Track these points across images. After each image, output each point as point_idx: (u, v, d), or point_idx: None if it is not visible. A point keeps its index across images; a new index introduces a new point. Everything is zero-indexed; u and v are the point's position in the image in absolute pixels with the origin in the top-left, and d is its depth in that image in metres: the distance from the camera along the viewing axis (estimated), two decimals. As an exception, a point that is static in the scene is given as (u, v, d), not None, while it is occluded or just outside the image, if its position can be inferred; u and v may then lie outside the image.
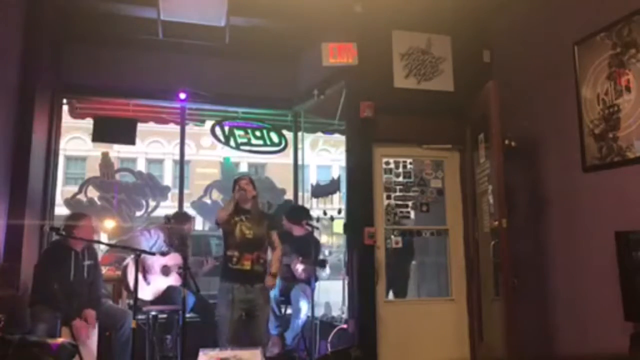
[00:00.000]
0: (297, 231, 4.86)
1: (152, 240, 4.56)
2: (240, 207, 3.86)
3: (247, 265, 3.75)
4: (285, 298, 4.74)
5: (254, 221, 3.86)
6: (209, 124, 5.88)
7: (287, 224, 4.92)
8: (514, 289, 3.65)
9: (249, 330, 3.75)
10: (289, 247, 4.68)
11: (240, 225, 3.80)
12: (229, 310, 3.68)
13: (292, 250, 4.67)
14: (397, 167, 4.76)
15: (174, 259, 4.55)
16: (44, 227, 4.65)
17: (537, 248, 4.08)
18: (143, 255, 4.18)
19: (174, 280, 4.51)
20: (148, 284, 4.40)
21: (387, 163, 4.73)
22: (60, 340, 3.21)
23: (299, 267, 4.64)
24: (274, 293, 4.44)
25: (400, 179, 4.76)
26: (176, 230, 4.61)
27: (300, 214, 5.05)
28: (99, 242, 4.49)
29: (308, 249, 4.51)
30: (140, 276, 4.35)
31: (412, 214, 4.84)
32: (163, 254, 4.54)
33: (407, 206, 4.74)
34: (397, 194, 4.72)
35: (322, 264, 4.58)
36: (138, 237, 4.57)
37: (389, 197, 4.69)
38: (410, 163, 4.78)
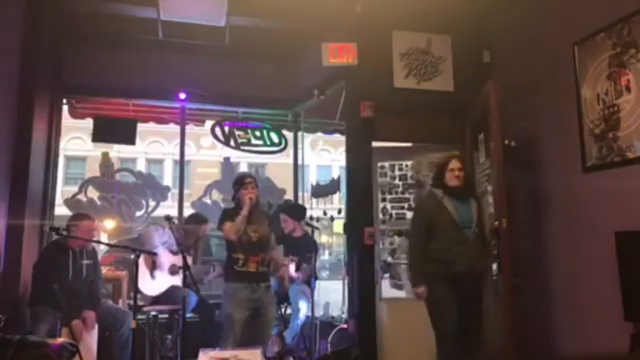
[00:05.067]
0: (298, 232, 4.87)
1: (165, 237, 4.56)
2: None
3: (252, 267, 3.69)
4: (280, 298, 4.73)
5: (257, 222, 3.76)
6: (209, 124, 5.88)
7: (290, 223, 4.90)
8: (514, 289, 3.65)
9: (256, 330, 3.71)
10: (290, 248, 4.68)
11: (244, 228, 3.69)
12: (236, 310, 3.63)
13: (293, 251, 4.67)
14: (392, 169, 4.77)
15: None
16: (44, 227, 4.65)
17: (537, 248, 4.08)
18: (155, 251, 4.28)
19: (179, 280, 4.50)
20: (153, 278, 4.41)
21: (382, 167, 4.75)
22: (60, 340, 3.21)
23: (292, 267, 4.63)
24: None
25: (397, 181, 4.77)
26: (191, 231, 4.61)
27: (301, 212, 5.07)
28: (99, 242, 4.49)
29: (308, 250, 4.52)
30: (146, 271, 4.39)
31: (410, 215, 4.85)
32: (174, 252, 4.54)
33: (403, 207, 4.76)
34: (393, 195, 4.74)
35: (307, 260, 4.57)
36: (151, 232, 4.57)
37: (384, 200, 4.70)
38: (406, 165, 4.80)
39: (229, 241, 3.77)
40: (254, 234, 3.72)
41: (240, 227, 3.66)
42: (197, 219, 4.86)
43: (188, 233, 4.62)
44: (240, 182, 3.84)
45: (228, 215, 3.79)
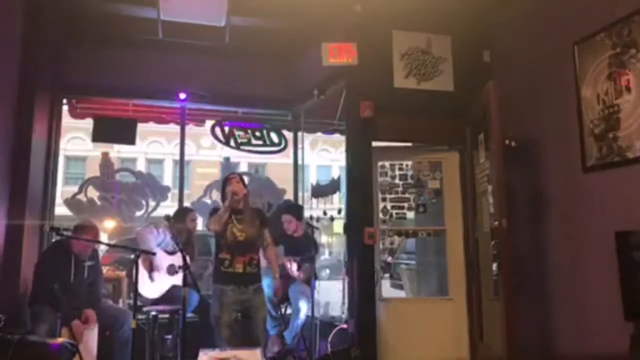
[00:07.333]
0: (299, 232, 4.86)
1: (159, 238, 4.55)
2: (232, 207, 3.71)
3: (239, 268, 3.64)
4: (280, 298, 4.73)
5: (246, 222, 3.71)
6: (209, 124, 5.88)
7: (294, 224, 4.88)
8: (514, 288, 3.65)
9: (246, 331, 3.70)
10: (289, 247, 4.67)
11: (231, 227, 3.66)
12: (222, 312, 3.62)
13: (292, 251, 4.66)
14: (392, 169, 4.80)
15: (180, 259, 4.52)
16: (44, 227, 4.65)
17: (537, 248, 4.08)
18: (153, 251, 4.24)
19: (179, 279, 4.49)
20: (152, 281, 4.40)
21: (383, 167, 4.79)
22: (60, 340, 3.21)
23: (294, 267, 4.63)
24: (267, 294, 4.43)
25: (397, 180, 4.81)
26: (181, 228, 4.60)
27: (302, 211, 5.07)
28: (100, 242, 4.47)
29: (308, 249, 4.51)
30: (145, 274, 4.38)
31: (410, 215, 4.89)
32: (170, 252, 4.53)
33: (402, 207, 4.79)
34: (393, 195, 4.77)
35: (311, 260, 4.57)
36: (146, 234, 4.55)
37: (384, 200, 4.73)
38: (407, 165, 4.83)
39: (216, 240, 3.78)
40: (240, 234, 3.68)
41: (222, 218, 3.63)
42: (183, 211, 4.86)
43: (178, 230, 4.61)
44: (225, 179, 3.86)
45: (215, 211, 3.80)
